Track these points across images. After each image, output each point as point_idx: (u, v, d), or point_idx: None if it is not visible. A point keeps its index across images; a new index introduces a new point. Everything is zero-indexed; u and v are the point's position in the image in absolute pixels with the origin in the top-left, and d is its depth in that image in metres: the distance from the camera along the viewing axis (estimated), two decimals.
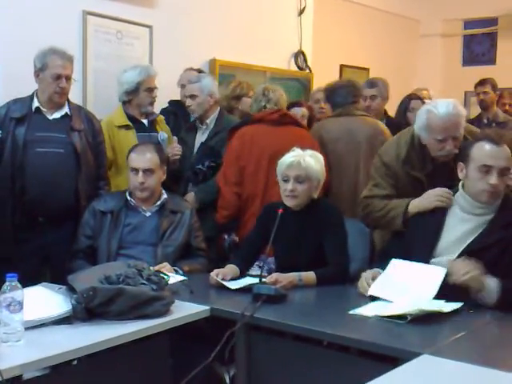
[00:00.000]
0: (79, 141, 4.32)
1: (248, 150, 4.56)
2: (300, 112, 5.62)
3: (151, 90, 4.87)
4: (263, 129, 4.71)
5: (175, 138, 5.02)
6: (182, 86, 5.49)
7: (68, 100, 4.38)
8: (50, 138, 4.25)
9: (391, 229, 3.90)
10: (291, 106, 5.73)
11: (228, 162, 4.69)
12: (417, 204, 3.67)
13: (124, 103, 4.89)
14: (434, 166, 3.84)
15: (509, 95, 7.56)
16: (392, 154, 3.97)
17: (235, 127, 4.84)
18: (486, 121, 6.95)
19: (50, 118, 4.30)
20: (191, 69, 5.63)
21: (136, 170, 3.99)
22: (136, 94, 4.85)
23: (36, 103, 4.27)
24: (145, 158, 4.02)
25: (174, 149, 4.84)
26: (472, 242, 3.26)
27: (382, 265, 3.44)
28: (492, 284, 3.07)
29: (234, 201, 4.62)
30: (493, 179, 3.21)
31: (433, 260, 3.34)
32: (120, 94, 4.88)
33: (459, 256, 3.23)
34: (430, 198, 3.60)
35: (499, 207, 3.29)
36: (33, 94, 4.30)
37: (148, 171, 4.00)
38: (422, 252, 3.37)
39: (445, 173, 3.77)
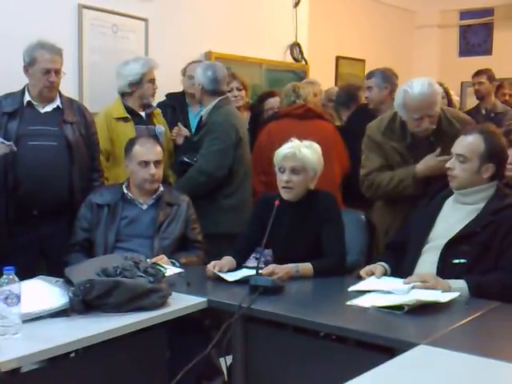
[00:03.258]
0: (72, 133, 4.31)
1: (277, 142, 4.54)
2: (275, 102, 5.71)
3: (154, 81, 4.92)
4: (288, 123, 5.10)
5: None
6: (190, 77, 5.48)
7: (59, 93, 4.37)
8: (43, 131, 4.24)
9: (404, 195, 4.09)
10: (265, 96, 5.82)
11: (255, 155, 5.05)
12: (422, 168, 3.98)
13: (123, 95, 4.89)
14: (414, 140, 4.05)
15: (509, 85, 7.57)
16: (374, 127, 4.27)
17: (263, 123, 5.37)
18: (484, 111, 6.96)
19: (42, 111, 4.29)
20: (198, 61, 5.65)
21: (146, 163, 3.98)
22: (140, 86, 4.87)
23: (27, 97, 4.26)
24: (154, 150, 4.05)
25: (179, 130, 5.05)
26: (462, 228, 3.32)
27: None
28: (458, 285, 3.14)
29: (260, 189, 4.93)
30: (448, 163, 3.42)
31: (426, 246, 3.43)
32: (121, 86, 4.89)
33: (451, 240, 3.31)
34: (432, 160, 3.94)
35: (491, 197, 3.37)
36: (24, 88, 4.29)
37: (158, 163, 4.03)
38: (419, 237, 3.49)
39: (424, 147, 4.00)
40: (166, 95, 5.55)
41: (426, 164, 3.98)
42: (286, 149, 3.71)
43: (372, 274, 3.45)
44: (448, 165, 3.40)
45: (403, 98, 3.95)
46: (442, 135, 3.99)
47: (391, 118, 4.18)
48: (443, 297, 2.99)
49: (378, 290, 3.18)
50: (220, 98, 4.90)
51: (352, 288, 3.28)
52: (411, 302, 2.87)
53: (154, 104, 5.15)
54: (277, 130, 5.04)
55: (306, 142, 3.77)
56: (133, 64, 4.88)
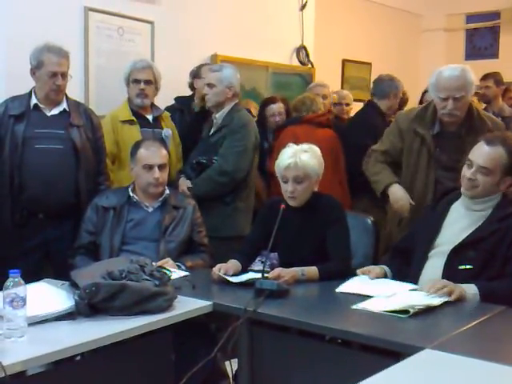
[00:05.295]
0: (78, 136, 4.32)
1: None
2: (277, 108, 5.72)
3: (137, 81, 4.85)
4: (305, 129, 5.38)
5: None
6: (198, 76, 5.47)
7: (66, 96, 4.38)
8: (49, 134, 4.25)
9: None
10: (266, 103, 5.83)
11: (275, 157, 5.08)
12: (391, 193, 4.31)
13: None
14: (442, 130, 4.20)
15: None
16: (403, 114, 4.63)
17: (281, 126, 5.60)
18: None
19: (49, 114, 4.31)
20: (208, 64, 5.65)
21: (150, 167, 3.98)
22: (128, 87, 4.88)
23: (34, 100, 4.27)
24: (160, 154, 4.04)
25: None
26: (469, 234, 3.32)
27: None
28: (470, 291, 3.13)
29: None
30: (468, 173, 3.35)
31: (433, 251, 3.42)
32: None
33: (457, 246, 3.30)
34: (397, 198, 4.28)
35: (497, 204, 3.36)
36: (31, 91, 4.30)
37: (162, 167, 4.02)
38: (425, 242, 3.47)
39: (453, 139, 4.17)
40: (175, 99, 5.55)
41: (396, 194, 4.30)
42: (286, 159, 3.68)
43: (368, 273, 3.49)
44: (470, 176, 3.32)
45: (435, 77, 4.14)
46: (473, 131, 4.08)
47: (425, 106, 4.39)
48: (435, 300, 3.01)
49: (366, 295, 3.19)
50: (237, 101, 4.91)
51: (339, 289, 3.32)
52: (417, 307, 2.88)
53: (161, 106, 5.15)
54: (301, 134, 5.19)
55: (305, 146, 3.75)
56: (126, 65, 4.94)
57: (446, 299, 3.03)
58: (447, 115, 4.12)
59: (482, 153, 3.34)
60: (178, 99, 5.56)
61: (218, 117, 4.84)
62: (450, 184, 4.00)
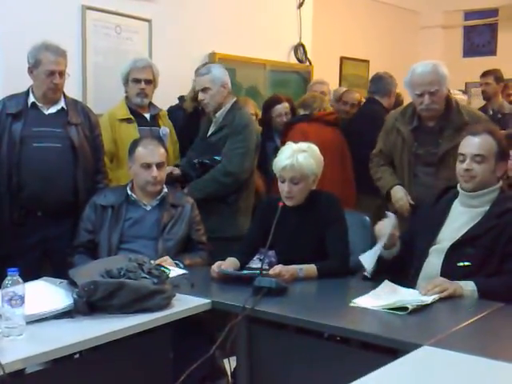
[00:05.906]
0: (76, 135, 4.31)
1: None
2: (283, 108, 5.70)
3: (138, 81, 4.82)
4: (315, 127, 5.42)
5: None
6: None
7: (64, 94, 4.37)
8: (47, 132, 4.25)
9: None
10: (271, 104, 5.79)
11: None
12: (393, 194, 4.52)
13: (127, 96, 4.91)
14: (420, 124, 4.37)
15: None
16: (392, 114, 4.78)
17: (290, 122, 5.58)
18: (491, 112, 6.93)
19: (46, 112, 4.30)
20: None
21: (148, 165, 3.98)
22: (126, 86, 4.87)
23: (32, 98, 4.26)
24: (158, 152, 4.03)
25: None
26: (468, 230, 3.32)
27: None
28: (468, 288, 3.14)
29: None
30: (463, 164, 3.36)
31: (431, 248, 3.41)
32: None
33: (455, 243, 3.31)
34: (397, 199, 4.48)
35: (495, 200, 3.36)
36: (28, 89, 4.30)
37: (160, 165, 4.01)
38: (425, 239, 3.47)
39: (429, 132, 4.35)
40: (179, 98, 5.54)
41: (396, 195, 4.50)
42: (284, 159, 3.67)
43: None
44: (466, 166, 3.34)
45: (410, 75, 4.36)
46: (450, 125, 4.28)
47: (407, 104, 4.62)
48: (428, 298, 3.01)
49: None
50: (235, 98, 4.87)
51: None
52: (415, 303, 2.89)
53: (160, 105, 5.14)
54: (310, 131, 5.28)
55: (304, 145, 3.74)
56: (124, 63, 4.93)
57: (438, 296, 3.03)
58: (425, 110, 4.30)
59: (471, 143, 3.37)
60: (181, 98, 5.55)
61: (218, 116, 4.77)
62: (428, 179, 4.29)
